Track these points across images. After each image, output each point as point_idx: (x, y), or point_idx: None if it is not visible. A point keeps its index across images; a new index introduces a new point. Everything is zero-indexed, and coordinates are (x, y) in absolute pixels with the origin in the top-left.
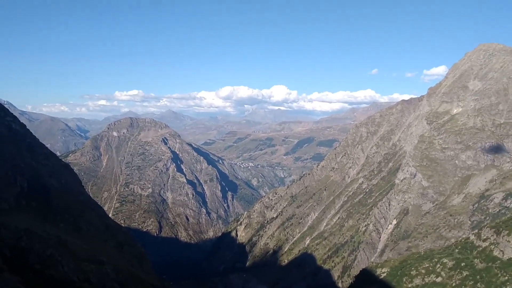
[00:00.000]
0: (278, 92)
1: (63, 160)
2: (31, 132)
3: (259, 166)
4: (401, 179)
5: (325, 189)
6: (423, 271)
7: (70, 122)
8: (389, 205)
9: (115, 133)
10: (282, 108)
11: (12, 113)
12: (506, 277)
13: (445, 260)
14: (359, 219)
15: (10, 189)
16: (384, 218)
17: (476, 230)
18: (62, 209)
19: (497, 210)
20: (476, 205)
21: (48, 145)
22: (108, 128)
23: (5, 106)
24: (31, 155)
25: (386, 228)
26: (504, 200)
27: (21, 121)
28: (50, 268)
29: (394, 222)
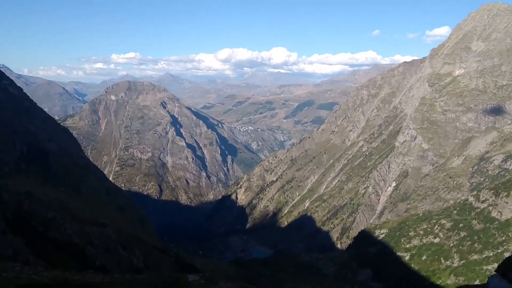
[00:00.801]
0: (278, 55)
1: (61, 124)
2: (28, 96)
3: (258, 129)
4: (401, 141)
5: (325, 152)
6: (421, 232)
7: (67, 86)
8: (388, 167)
9: (113, 97)
10: (282, 70)
11: (9, 77)
12: (504, 237)
13: (443, 221)
14: (359, 181)
15: (9, 153)
16: (384, 181)
17: (475, 192)
18: (62, 173)
19: (497, 172)
20: (475, 167)
21: (46, 109)
22: (106, 92)
23: (1, 69)
24: (29, 119)
25: (385, 191)
26: (503, 162)
27: (18, 84)
28: (52, 230)
29: (394, 184)
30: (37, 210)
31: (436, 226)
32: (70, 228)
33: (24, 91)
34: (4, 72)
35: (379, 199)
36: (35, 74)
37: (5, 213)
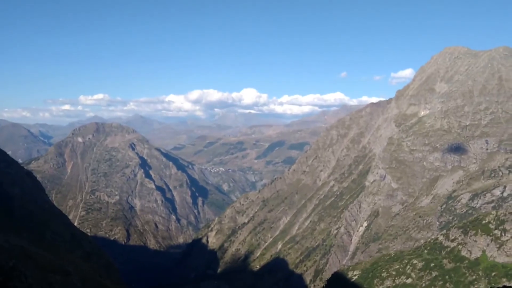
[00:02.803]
0: (248, 96)
1: (25, 167)
2: None
3: (230, 170)
4: (371, 181)
5: (296, 193)
6: (393, 272)
7: (32, 128)
8: (359, 207)
9: (80, 139)
10: (252, 111)
11: None
12: (474, 276)
13: (414, 261)
14: (331, 222)
15: None
16: (355, 221)
17: (445, 231)
18: (26, 218)
19: (464, 210)
20: (444, 206)
21: (9, 152)
22: (72, 134)
23: None
24: None
25: (357, 231)
26: (470, 201)
27: None
28: (13, 280)
29: (365, 224)
30: None
31: (408, 266)
32: (31, 276)
33: None
34: None
35: (351, 240)
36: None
37: None
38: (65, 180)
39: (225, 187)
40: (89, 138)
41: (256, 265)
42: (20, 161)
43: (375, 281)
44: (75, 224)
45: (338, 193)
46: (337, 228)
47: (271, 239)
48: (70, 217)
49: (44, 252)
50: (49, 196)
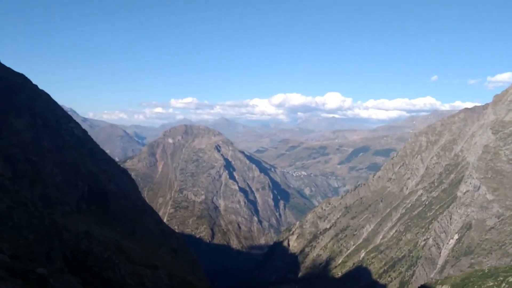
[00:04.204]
0: (332, 100)
1: (121, 165)
2: (92, 138)
3: (312, 175)
4: (464, 191)
5: (381, 201)
6: None
7: (128, 129)
8: (450, 219)
9: (170, 140)
10: (336, 116)
11: (75, 120)
12: None
13: (511, 279)
14: (418, 233)
15: (72, 193)
16: (445, 233)
17: None
18: (120, 213)
19: None
20: None
21: (107, 151)
22: (164, 135)
23: (69, 113)
24: (92, 160)
25: (447, 243)
26: None
27: (83, 127)
28: (107, 270)
29: (456, 237)
30: (94, 250)
31: (504, 284)
32: (124, 268)
33: (88, 133)
34: (71, 115)
35: (440, 252)
36: (99, 118)
37: (64, 252)
38: (156, 178)
39: (307, 191)
40: (178, 140)
41: (338, 272)
42: (117, 159)
43: None
44: (164, 220)
45: (426, 202)
46: (425, 240)
47: (353, 246)
48: (160, 213)
49: (135, 246)
50: (142, 193)
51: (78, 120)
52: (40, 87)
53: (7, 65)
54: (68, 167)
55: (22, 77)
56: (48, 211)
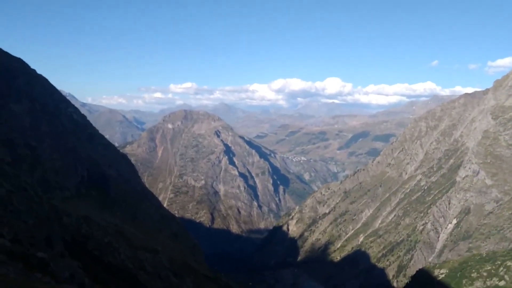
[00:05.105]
0: (332, 85)
1: (120, 150)
2: (91, 123)
3: (311, 160)
4: (463, 176)
5: (380, 186)
6: (484, 273)
7: (127, 114)
8: (449, 203)
9: (169, 125)
10: (336, 101)
11: (74, 105)
12: None
13: (509, 263)
14: (417, 217)
15: (71, 178)
16: (444, 217)
17: None
18: (120, 198)
19: None
20: None
21: (107, 136)
22: (163, 120)
23: (67, 97)
24: (91, 145)
25: (445, 228)
26: None
27: (82, 112)
28: (107, 255)
29: (454, 221)
30: (94, 235)
31: (502, 268)
32: (124, 253)
33: (87, 118)
34: (70, 100)
35: (439, 237)
36: (98, 103)
37: (64, 236)
38: (156, 163)
39: (306, 176)
40: (178, 125)
41: (337, 256)
42: (116, 144)
43: (464, 281)
44: (164, 205)
45: (425, 187)
46: (423, 224)
47: (352, 231)
48: (160, 198)
49: (135, 230)
50: (142, 178)
51: (77, 105)
52: (38, 71)
53: (5, 49)
54: (68, 152)
55: (20, 62)
56: (47, 195)
